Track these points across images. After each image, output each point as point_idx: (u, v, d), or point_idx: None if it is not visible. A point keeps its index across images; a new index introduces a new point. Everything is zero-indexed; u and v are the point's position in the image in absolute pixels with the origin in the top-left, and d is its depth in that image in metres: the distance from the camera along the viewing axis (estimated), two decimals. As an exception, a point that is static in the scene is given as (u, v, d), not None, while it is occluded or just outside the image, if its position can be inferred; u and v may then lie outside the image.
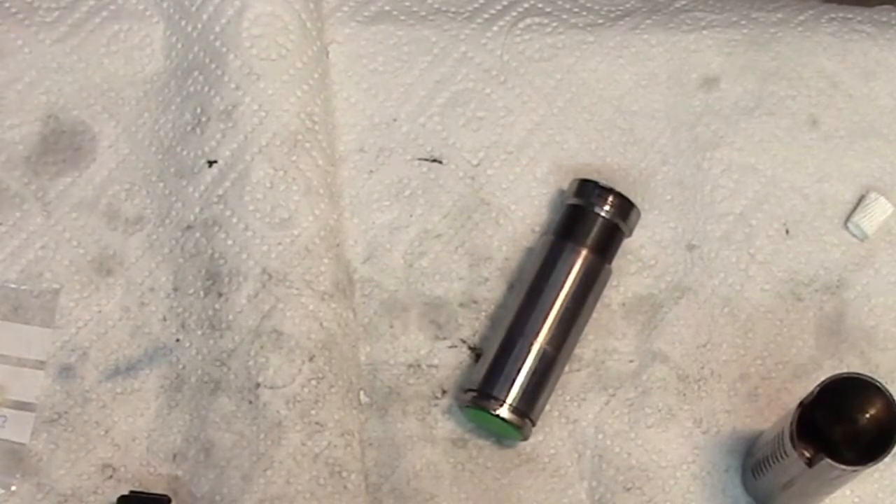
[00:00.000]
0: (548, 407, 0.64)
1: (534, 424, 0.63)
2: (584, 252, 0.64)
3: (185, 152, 0.66)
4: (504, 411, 0.62)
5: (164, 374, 0.64)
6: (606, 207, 0.64)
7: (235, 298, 0.64)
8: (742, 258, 0.67)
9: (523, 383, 0.63)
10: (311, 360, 0.63)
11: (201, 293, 0.65)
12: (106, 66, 0.68)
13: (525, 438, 0.63)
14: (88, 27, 0.68)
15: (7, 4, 0.69)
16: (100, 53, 0.68)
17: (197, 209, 0.65)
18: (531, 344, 0.63)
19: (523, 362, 0.63)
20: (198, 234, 0.65)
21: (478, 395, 0.63)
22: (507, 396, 0.62)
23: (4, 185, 0.66)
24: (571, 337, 0.64)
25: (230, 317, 0.64)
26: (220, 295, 0.64)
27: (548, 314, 0.63)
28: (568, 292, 0.64)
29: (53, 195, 0.66)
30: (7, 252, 0.65)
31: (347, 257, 0.66)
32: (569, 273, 0.64)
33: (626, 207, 0.65)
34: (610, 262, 0.65)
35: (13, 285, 0.65)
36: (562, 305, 0.63)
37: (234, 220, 0.65)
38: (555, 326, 0.63)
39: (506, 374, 0.63)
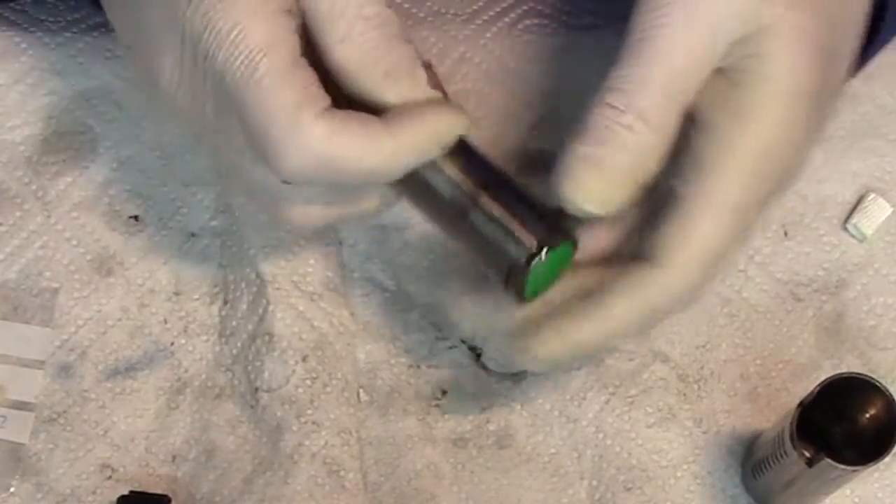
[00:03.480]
0: (548, 406, 0.64)
1: (566, 224, 0.54)
2: None
3: (193, 159, 0.67)
4: (548, 245, 0.53)
5: (164, 377, 0.64)
6: None
7: (238, 305, 0.65)
8: (741, 259, 0.67)
9: (519, 219, 0.54)
10: (303, 360, 0.63)
11: (207, 299, 0.65)
12: (109, 69, 0.68)
13: (576, 241, 0.55)
14: (93, 32, 0.69)
15: (9, 9, 0.69)
16: (103, 57, 0.68)
17: (206, 216, 0.66)
18: (476, 199, 0.54)
19: (494, 211, 0.54)
20: (205, 242, 0.66)
21: (514, 273, 0.54)
22: (528, 240, 0.53)
23: (5, 186, 0.66)
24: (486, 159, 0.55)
25: (234, 323, 0.64)
26: (226, 302, 0.65)
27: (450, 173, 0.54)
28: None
29: (54, 195, 0.66)
30: (7, 252, 0.65)
31: (347, 257, 0.66)
32: None
33: None
34: None
35: (13, 285, 0.65)
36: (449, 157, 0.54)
37: (234, 227, 0.65)
38: (467, 171, 0.54)
39: (501, 236, 0.54)
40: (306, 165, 0.51)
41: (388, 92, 0.52)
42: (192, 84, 0.52)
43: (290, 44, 0.51)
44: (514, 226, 0.53)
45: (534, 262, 0.53)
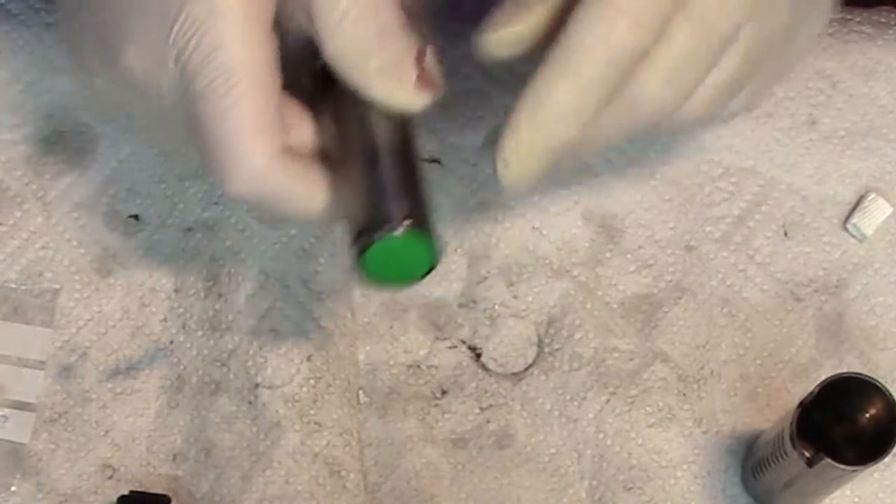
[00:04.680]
0: (548, 406, 0.64)
1: (436, 236, 0.51)
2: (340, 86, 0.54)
3: (187, 154, 0.66)
4: (403, 226, 0.50)
5: (165, 375, 0.64)
6: None
7: (235, 299, 0.64)
8: (741, 259, 0.67)
9: (396, 189, 0.51)
10: (308, 359, 0.63)
11: (202, 294, 0.65)
12: (107, 67, 0.68)
13: (438, 254, 0.51)
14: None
15: (9, 7, 0.69)
16: (101, 54, 0.68)
17: (199, 210, 0.66)
18: (373, 157, 0.52)
19: (380, 173, 0.52)
20: (199, 236, 0.66)
21: (364, 231, 0.50)
22: (390, 209, 0.50)
23: (5, 186, 0.66)
24: (406, 135, 0.53)
25: (230, 317, 0.64)
26: (220, 296, 0.65)
27: (367, 132, 0.53)
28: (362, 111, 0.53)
29: (54, 195, 0.66)
30: (7, 252, 0.65)
31: (347, 258, 0.66)
32: (347, 103, 0.54)
33: None
34: None
35: (13, 285, 0.65)
36: (371, 120, 0.53)
37: (233, 220, 0.65)
38: (381, 132, 0.52)
39: (373, 196, 0.51)
40: (246, 195, 0.51)
41: (376, 88, 0.52)
42: (158, 72, 0.52)
43: (267, 71, 0.51)
44: (391, 191, 0.51)
45: (384, 232, 0.50)
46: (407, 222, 0.50)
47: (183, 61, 0.51)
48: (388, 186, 0.51)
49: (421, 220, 0.51)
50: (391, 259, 0.51)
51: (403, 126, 0.53)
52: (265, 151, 0.51)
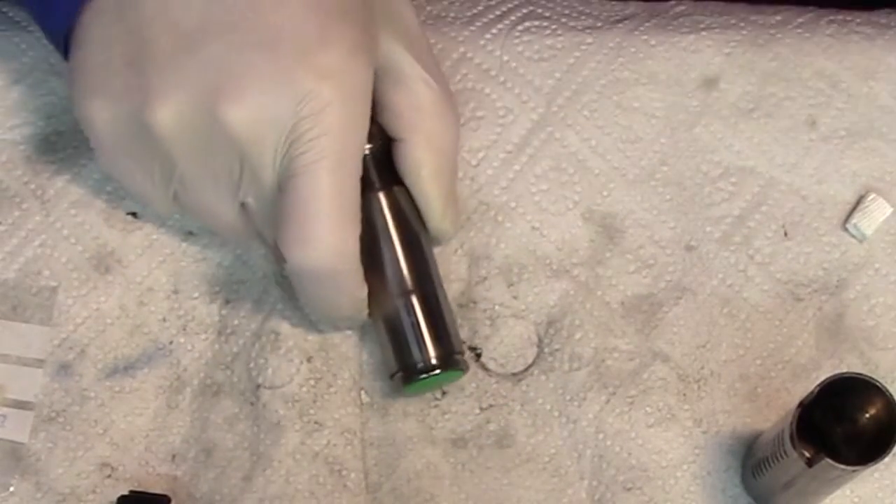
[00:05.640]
0: (548, 406, 0.64)
1: (463, 353, 0.63)
2: (380, 194, 0.62)
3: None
4: (440, 367, 0.62)
5: (164, 375, 0.64)
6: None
7: (241, 304, 0.64)
8: (741, 259, 0.67)
9: (430, 332, 0.62)
10: (308, 360, 0.63)
11: (207, 298, 0.65)
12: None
13: (466, 369, 0.63)
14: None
15: (11, 14, 0.69)
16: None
17: None
18: (408, 297, 0.62)
19: (415, 316, 0.62)
20: (205, 241, 0.66)
21: (406, 371, 0.62)
22: (428, 353, 0.62)
23: (4, 185, 0.66)
24: (430, 262, 0.63)
25: (235, 321, 0.64)
26: (227, 301, 0.65)
27: (397, 263, 0.62)
28: (396, 233, 0.62)
29: (52, 193, 0.66)
30: (6, 251, 0.65)
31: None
32: (384, 217, 0.62)
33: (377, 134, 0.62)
34: (398, 184, 0.62)
35: (12, 284, 0.65)
36: (401, 247, 0.62)
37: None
38: (411, 268, 0.62)
39: (411, 337, 0.62)
40: (314, 267, 0.57)
41: (440, 224, 0.63)
42: (262, 134, 0.56)
43: (360, 161, 0.58)
44: (427, 334, 0.62)
45: (427, 374, 0.61)
46: (444, 361, 0.62)
47: (297, 132, 0.55)
48: (425, 330, 0.62)
49: (454, 352, 0.62)
50: (430, 383, 0.62)
51: (430, 250, 0.63)
52: (353, 232, 0.57)
